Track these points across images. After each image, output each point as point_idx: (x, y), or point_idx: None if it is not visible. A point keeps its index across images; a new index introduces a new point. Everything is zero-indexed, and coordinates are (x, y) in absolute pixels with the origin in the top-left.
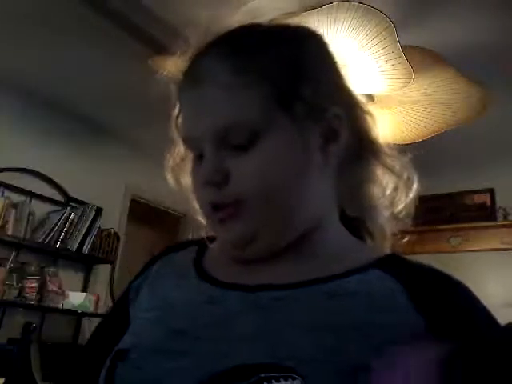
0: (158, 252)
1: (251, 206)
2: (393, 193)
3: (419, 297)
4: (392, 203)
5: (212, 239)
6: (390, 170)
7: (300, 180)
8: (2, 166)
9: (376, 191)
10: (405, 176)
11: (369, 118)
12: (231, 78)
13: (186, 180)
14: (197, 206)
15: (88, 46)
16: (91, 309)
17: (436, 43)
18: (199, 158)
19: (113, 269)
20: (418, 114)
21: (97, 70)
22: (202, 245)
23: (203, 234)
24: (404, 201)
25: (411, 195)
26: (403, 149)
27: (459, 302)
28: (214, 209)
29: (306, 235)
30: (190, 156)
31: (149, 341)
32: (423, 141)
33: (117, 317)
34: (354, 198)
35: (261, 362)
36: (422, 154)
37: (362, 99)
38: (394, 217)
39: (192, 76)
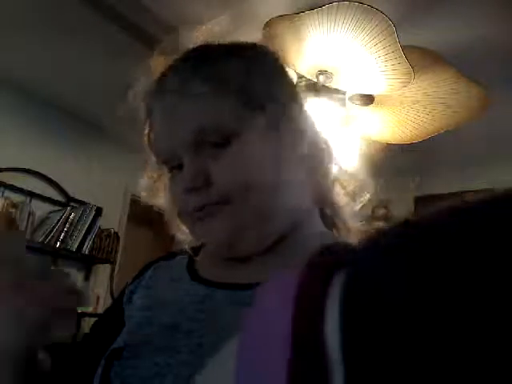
0: (151, 261)
1: (234, 204)
2: (351, 190)
3: None
4: (353, 199)
5: (198, 249)
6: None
7: (278, 176)
8: (2, 166)
9: (338, 188)
10: (359, 176)
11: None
12: (202, 87)
13: (161, 200)
14: (174, 217)
15: (88, 46)
16: (91, 309)
17: (436, 43)
18: (177, 167)
19: (113, 269)
20: (418, 113)
21: (97, 69)
22: (193, 251)
23: (187, 247)
24: (360, 199)
25: (367, 195)
26: (402, 149)
27: None
28: (198, 210)
29: (289, 232)
30: (165, 172)
31: (143, 338)
32: (423, 141)
33: (112, 317)
34: (326, 195)
35: None
36: (422, 153)
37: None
38: (355, 213)
39: (164, 89)
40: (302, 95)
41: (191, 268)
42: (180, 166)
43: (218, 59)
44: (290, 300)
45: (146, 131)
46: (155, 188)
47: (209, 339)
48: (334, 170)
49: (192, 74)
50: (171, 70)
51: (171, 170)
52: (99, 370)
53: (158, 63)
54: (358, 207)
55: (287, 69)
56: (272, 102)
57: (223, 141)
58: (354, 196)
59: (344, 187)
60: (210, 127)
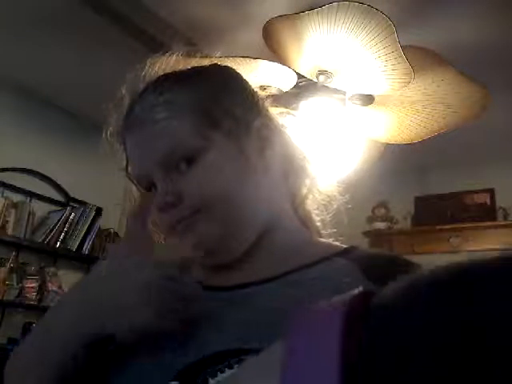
0: None
1: (206, 213)
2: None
3: (375, 277)
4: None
5: None
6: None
7: (245, 184)
8: (2, 166)
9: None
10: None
11: (285, 130)
12: (165, 113)
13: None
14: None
15: (89, 46)
16: None
17: (436, 43)
18: (155, 189)
19: None
20: (418, 114)
21: (97, 69)
22: None
23: None
24: (317, 199)
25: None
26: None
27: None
28: (175, 225)
29: (265, 234)
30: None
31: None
32: (423, 141)
33: None
34: (298, 197)
35: (229, 348)
36: (422, 153)
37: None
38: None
39: (132, 122)
40: (269, 109)
41: None
42: (154, 186)
43: (176, 85)
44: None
45: (124, 163)
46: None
47: (194, 339)
48: (308, 181)
49: (154, 101)
50: (137, 102)
51: (149, 191)
52: (93, 374)
53: (172, 63)
54: (328, 216)
55: (250, 86)
56: (228, 118)
57: (189, 159)
58: (324, 206)
59: (315, 197)
60: (176, 147)
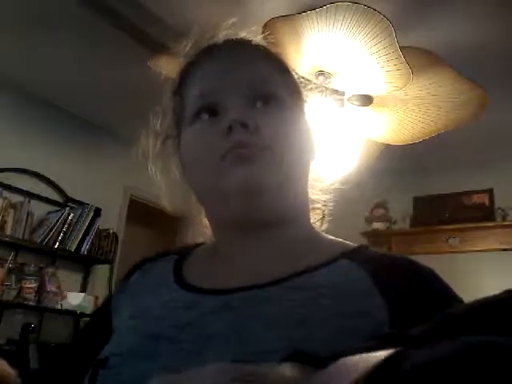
0: (135, 263)
1: (274, 155)
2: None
3: (382, 282)
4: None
5: (195, 247)
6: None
7: (306, 155)
8: (1, 166)
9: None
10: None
11: None
12: (254, 51)
13: (173, 168)
14: (189, 186)
15: (88, 47)
16: (90, 309)
17: (435, 43)
18: (212, 115)
19: (111, 269)
20: (418, 114)
21: (97, 70)
22: (181, 254)
23: (195, 236)
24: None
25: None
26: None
27: (421, 283)
28: (238, 146)
29: (285, 222)
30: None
31: (127, 347)
32: (423, 141)
33: (99, 325)
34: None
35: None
36: (421, 154)
37: None
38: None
39: (220, 48)
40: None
41: (178, 271)
42: (215, 114)
43: (260, 45)
44: None
45: (176, 83)
46: (164, 155)
47: (194, 346)
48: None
49: (243, 44)
50: (216, 44)
51: (197, 118)
52: (86, 378)
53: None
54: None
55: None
56: (299, 88)
57: (268, 100)
58: (323, 205)
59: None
60: (271, 82)
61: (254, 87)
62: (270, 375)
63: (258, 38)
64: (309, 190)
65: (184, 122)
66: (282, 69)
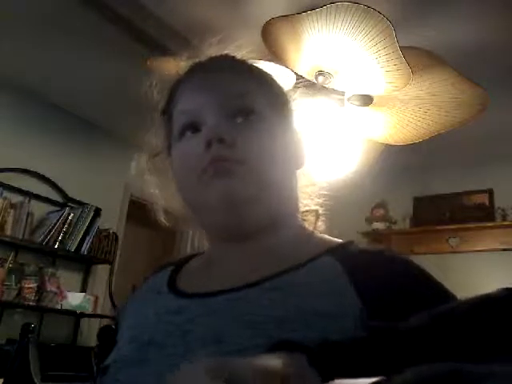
0: (144, 276)
1: (251, 168)
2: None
3: (358, 279)
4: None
5: (191, 257)
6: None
7: (288, 165)
8: (1, 167)
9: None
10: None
11: None
12: (231, 66)
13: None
14: (179, 194)
15: (88, 47)
16: (90, 309)
17: (435, 44)
18: (193, 131)
19: (111, 269)
20: (418, 114)
21: (97, 70)
22: (178, 264)
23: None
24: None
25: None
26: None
27: (398, 279)
28: (216, 161)
29: (269, 228)
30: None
31: (123, 354)
32: (423, 141)
33: (110, 338)
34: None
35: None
36: (421, 154)
37: None
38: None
39: (197, 67)
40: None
41: (172, 280)
42: (196, 131)
43: (240, 60)
44: None
45: (164, 103)
46: (157, 165)
47: (179, 349)
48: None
49: (224, 60)
50: (200, 62)
51: (182, 135)
52: None
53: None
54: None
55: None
56: (282, 98)
57: (247, 112)
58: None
59: (313, 198)
60: (243, 95)
61: (233, 103)
62: (252, 365)
63: (242, 53)
64: (302, 195)
65: (173, 139)
66: (263, 82)
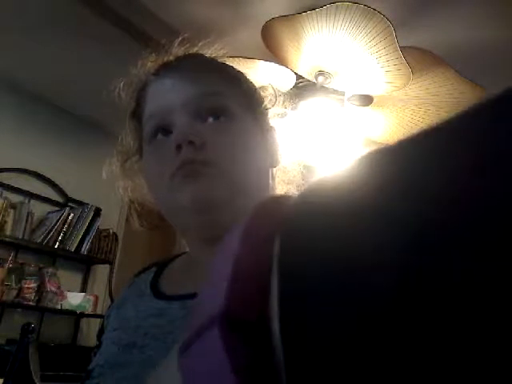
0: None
1: (220, 170)
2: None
3: None
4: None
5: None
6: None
7: (259, 165)
8: (1, 166)
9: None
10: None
11: (275, 132)
12: (202, 67)
13: (139, 180)
14: (152, 195)
15: (88, 46)
16: (90, 309)
17: (435, 44)
18: (164, 134)
19: (111, 269)
20: (417, 114)
21: (96, 70)
22: (161, 265)
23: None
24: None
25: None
26: None
27: None
28: (185, 165)
29: None
30: (135, 156)
31: (106, 358)
32: None
33: (98, 343)
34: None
35: None
36: None
37: None
38: None
39: (165, 67)
40: (264, 109)
41: (155, 282)
42: (167, 133)
43: (208, 59)
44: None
45: (133, 106)
46: (129, 170)
47: (161, 352)
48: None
49: (192, 59)
50: (168, 62)
51: (153, 138)
52: None
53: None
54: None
55: (252, 84)
56: (254, 97)
57: (217, 112)
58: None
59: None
60: (211, 95)
61: (203, 103)
62: None
63: (211, 50)
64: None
65: (144, 143)
66: (235, 80)
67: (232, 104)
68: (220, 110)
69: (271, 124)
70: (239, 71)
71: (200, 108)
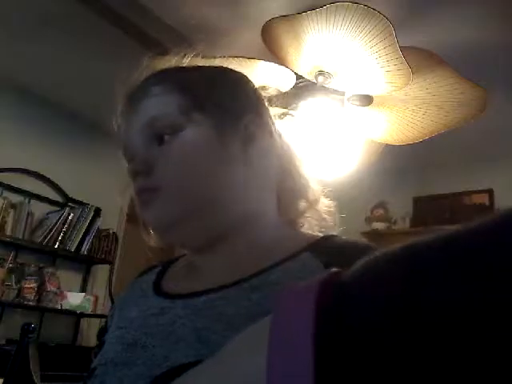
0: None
1: (168, 193)
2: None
3: None
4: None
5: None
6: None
7: (218, 171)
8: (1, 166)
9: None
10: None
11: (278, 132)
12: (157, 88)
13: None
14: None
15: (87, 46)
16: (90, 309)
17: (435, 44)
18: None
19: (111, 269)
20: (418, 114)
21: (96, 70)
22: (165, 265)
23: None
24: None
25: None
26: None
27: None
28: (138, 193)
29: (238, 231)
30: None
31: (110, 356)
32: (422, 141)
33: (99, 343)
34: (286, 198)
35: (190, 360)
36: (421, 154)
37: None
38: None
39: (127, 102)
40: (266, 109)
41: (158, 281)
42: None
43: (172, 70)
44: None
45: (116, 128)
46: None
47: (161, 350)
48: (301, 182)
49: (151, 81)
50: (138, 88)
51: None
52: None
53: (171, 64)
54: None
55: (248, 83)
56: (215, 105)
57: (168, 132)
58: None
59: (309, 199)
60: (158, 118)
61: (152, 126)
62: None
63: (172, 63)
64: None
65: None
66: (194, 90)
67: (186, 120)
68: (172, 130)
69: (238, 124)
70: (218, 75)
71: (152, 132)
